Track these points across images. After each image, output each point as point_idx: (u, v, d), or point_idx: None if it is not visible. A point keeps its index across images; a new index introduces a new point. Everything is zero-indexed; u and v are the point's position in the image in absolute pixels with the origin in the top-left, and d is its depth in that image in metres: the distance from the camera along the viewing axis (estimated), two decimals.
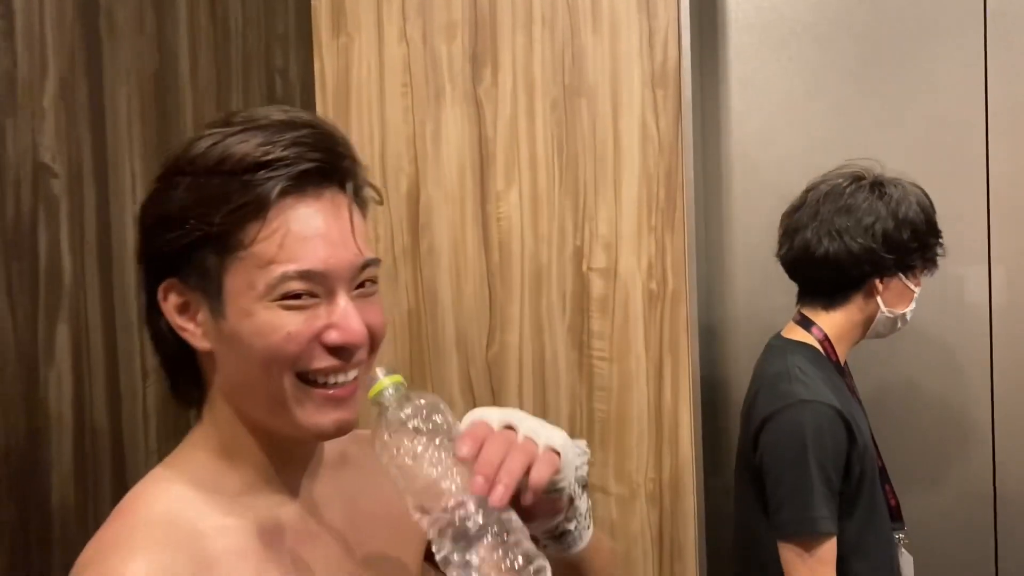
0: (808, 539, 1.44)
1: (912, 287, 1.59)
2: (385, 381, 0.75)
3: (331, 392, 0.77)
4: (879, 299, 1.57)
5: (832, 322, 1.59)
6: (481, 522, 0.69)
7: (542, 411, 1.88)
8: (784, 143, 1.98)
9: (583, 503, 0.82)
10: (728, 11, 1.98)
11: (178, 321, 0.80)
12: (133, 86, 1.42)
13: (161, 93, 1.49)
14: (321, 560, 0.83)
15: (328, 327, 0.76)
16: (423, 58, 1.93)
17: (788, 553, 1.46)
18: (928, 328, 1.94)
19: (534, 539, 0.74)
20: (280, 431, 0.80)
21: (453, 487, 0.71)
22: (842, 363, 1.62)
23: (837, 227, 1.54)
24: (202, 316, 0.79)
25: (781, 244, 1.64)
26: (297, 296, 0.75)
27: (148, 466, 1.41)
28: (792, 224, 1.61)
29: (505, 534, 0.70)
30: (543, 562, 0.71)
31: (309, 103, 1.96)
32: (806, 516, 1.44)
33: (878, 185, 1.57)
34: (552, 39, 1.86)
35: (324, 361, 0.76)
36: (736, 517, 1.68)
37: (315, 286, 0.76)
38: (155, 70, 1.48)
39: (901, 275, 1.57)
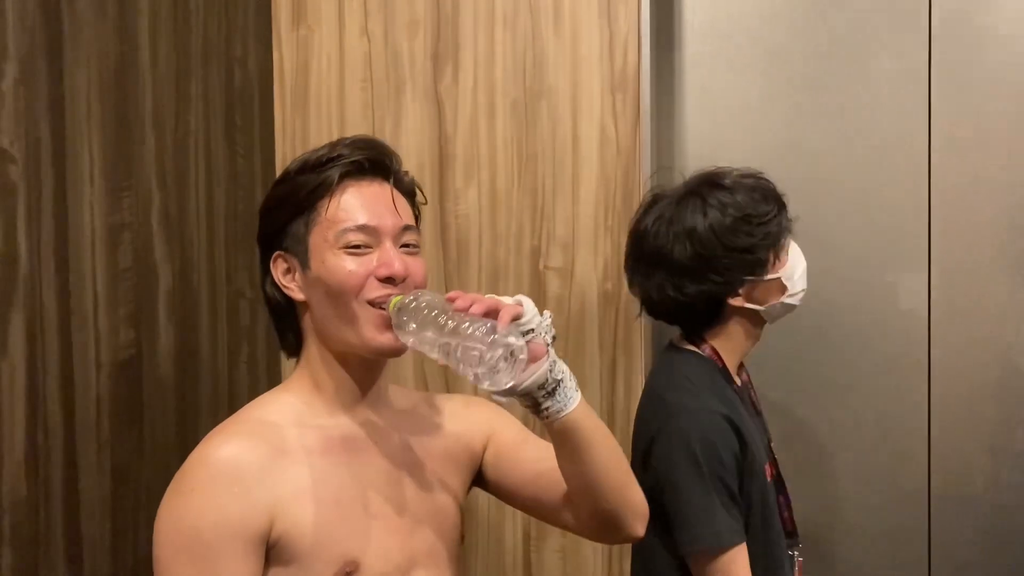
0: (714, 552, 1.39)
1: (771, 276, 1.48)
2: (395, 299, 1.07)
3: (385, 314, 1.07)
4: (749, 306, 1.49)
5: (715, 338, 1.52)
6: (477, 331, 0.96)
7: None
8: (736, 150, 2.02)
9: (563, 364, 1.06)
10: (685, 19, 2.01)
11: (283, 281, 1.14)
12: (93, 72, 1.40)
13: (121, 80, 1.47)
14: (380, 469, 1.14)
15: (379, 266, 1.09)
16: (384, 54, 1.92)
17: (696, 565, 1.41)
18: (866, 334, 2.00)
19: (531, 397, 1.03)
20: (352, 352, 1.11)
21: (458, 326, 0.98)
22: (732, 370, 1.54)
23: (659, 282, 1.48)
24: (298, 275, 1.13)
25: (631, 283, 1.57)
26: (356, 246, 1.09)
27: (100, 459, 1.40)
28: (630, 269, 1.55)
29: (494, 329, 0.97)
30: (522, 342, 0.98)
31: (267, 94, 1.94)
32: (710, 531, 1.38)
33: (674, 206, 1.48)
34: (514, 40, 1.88)
35: (378, 291, 1.08)
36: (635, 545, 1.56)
37: (368, 238, 1.10)
38: (116, 57, 1.45)
39: (751, 278, 1.47)
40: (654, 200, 1.55)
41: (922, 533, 2.00)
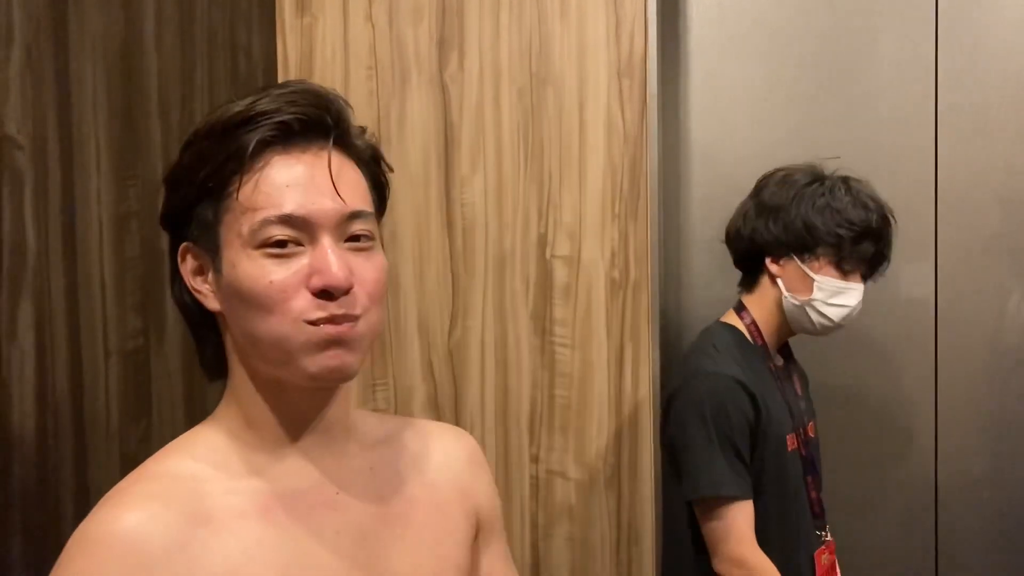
0: (713, 501, 1.50)
1: (810, 274, 1.58)
2: None
3: (323, 332, 0.77)
4: (780, 282, 1.60)
5: (755, 306, 1.64)
6: None
7: (503, 397, 1.90)
8: (742, 135, 2.02)
9: None
10: (690, 4, 2.00)
11: (193, 283, 0.82)
12: (99, 58, 1.39)
13: (127, 66, 1.45)
14: (337, 530, 0.83)
15: (311, 272, 0.77)
16: (389, 41, 1.91)
17: (701, 517, 1.53)
18: (874, 323, 2.00)
19: None
20: (284, 383, 0.81)
21: None
22: (771, 348, 1.65)
23: (745, 210, 1.64)
24: (211, 276, 0.81)
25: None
26: (281, 244, 0.77)
27: (109, 448, 1.40)
28: (738, 208, 1.68)
29: None
30: None
31: (272, 81, 1.93)
32: (708, 480, 1.49)
33: (818, 180, 1.61)
34: (519, 26, 1.87)
35: (314, 312, 0.77)
36: (668, 501, 1.71)
37: (298, 233, 0.77)
38: (120, 44, 1.44)
39: (796, 258, 1.58)
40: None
41: (929, 516, 2.00)
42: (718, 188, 2.02)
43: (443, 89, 1.90)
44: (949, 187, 1.96)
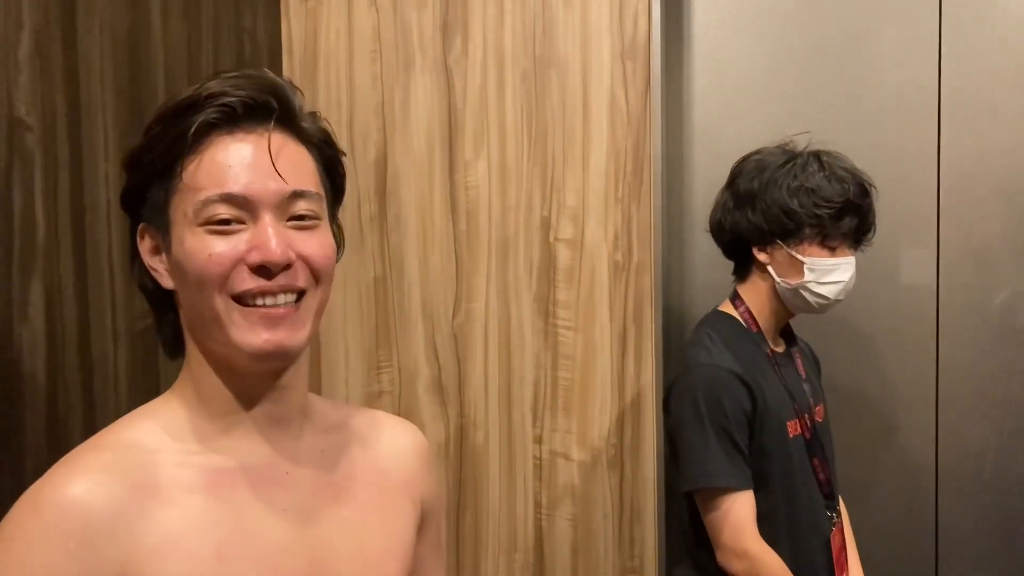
0: (711, 492, 1.51)
1: (799, 257, 1.56)
2: None
3: (260, 311, 0.80)
4: (770, 269, 1.60)
5: (747, 294, 1.65)
6: None
7: (507, 379, 1.91)
8: (745, 119, 2.03)
9: None
10: None
11: (150, 262, 0.85)
12: (107, 42, 1.40)
13: (134, 50, 1.46)
14: (284, 506, 0.85)
15: (250, 248, 0.80)
16: (393, 25, 1.92)
17: (701, 507, 1.55)
18: (875, 309, 2.01)
19: None
20: (233, 358, 0.83)
21: None
22: (769, 334, 1.64)
23: (723, 201, 1.64)
24: (164, 255, 0.84)
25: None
26: (225, 222, 0.80)
27: None
28: (717, 199, 1.69)
29: None
30: None
31: (276, 66, 1.94)
32: (703, 472, 1.51)
33: (790, 160, 1.58)
34: (523, 10, 1.87)
35: (249, 282, 0.80)
36: (675, 487, 1.72)
37: (240, 212, 0.80)
38: (128, 27, 1.45)
39: (782, 243, 1.57)
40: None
41: (929, 504, 2.01)
42: (721, 171, 2.01)
43: (447, 73, 1.90)
44: (952, 170, 1.97)
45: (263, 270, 0.79)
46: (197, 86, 0.81)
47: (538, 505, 1.92)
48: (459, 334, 1.92)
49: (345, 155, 0.92)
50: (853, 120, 1.98)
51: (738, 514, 1.50)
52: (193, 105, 0.81)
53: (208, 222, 0.80)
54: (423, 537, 1.00)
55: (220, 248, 0.79)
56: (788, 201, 1.55)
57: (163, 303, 0.87)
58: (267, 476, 0.85)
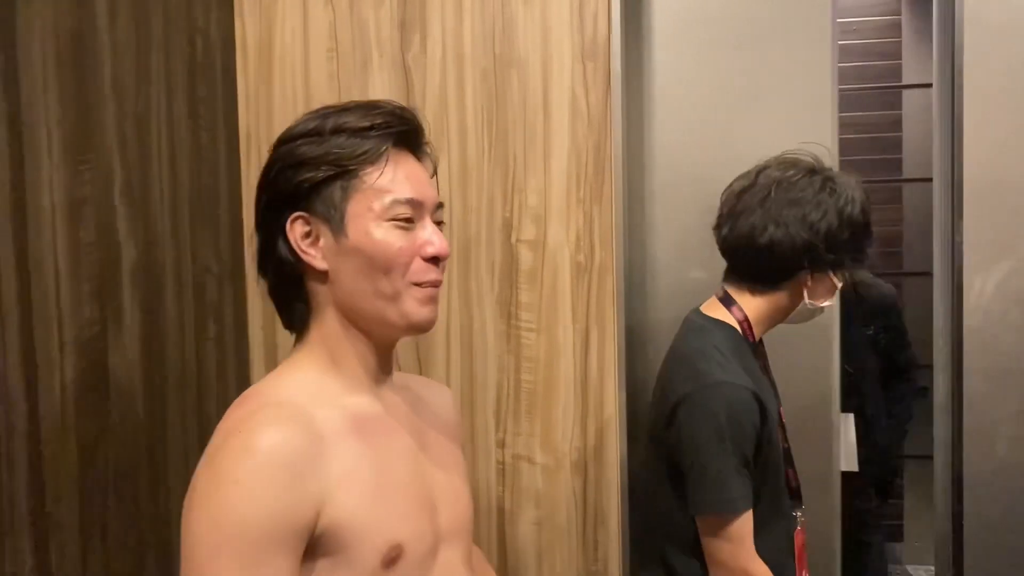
0: (726, 518, 1.46)
1: (837, 283, 1.60)
2: None
3: (428, 292, 1.05)
4: (805, 291, 1.57)
5: (755, 305, 1.60)
6: None
7: (470, 382, 1.89)
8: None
9: None
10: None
11: (303, 246, 1.05)
12: (48, 40, 1.35)
13: (79, 49, 1.42)
14: (403, 448, 1.09)
15: (424, 243, 1.05)
16: (349, 23, 1.88)
17: (707, 530, 1.49)
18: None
19: None
20: (388, 327, 1.06)
21: None
22: (757, 345, 1.63)
23: (785, 218, 1.53)
24: (324, 241, 1.04)
25: (723, 222, 1.61)
26: (406, 219, 1.04)
27: (66, 441, 1.37)
28: (739, 205, 1.58)
29: None
30: None
31: (230, 64, 1.89)
32: (724, 497, 1.46)
33: (829, 181, 1.56)
34: (482, 8, 1.85)
35: (423, 273, 1.05)
36: (647, 487, 1.69)
37: (413, 211, 1.05)
38: (72, 26, 1.40)
39: (831, 272, 1.58)
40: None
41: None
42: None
43: (405, 72, 1.87)
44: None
45: (434, 260, 1.05)
46: (365, 109, 1.05)
47: (501, 510, 1.90)
48: (421, 337, 1.89)
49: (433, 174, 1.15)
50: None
51: (741, 533, 1.47)
52: (375, 127, 1.04)
53: (394, 218, 1.03)
54: None
55: (404, 243, 1.03)
56: (851, 232, 1.55)
57: (294, 283, 1.07)
58: (387, 424, 1.08)
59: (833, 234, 1.53)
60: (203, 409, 1.77)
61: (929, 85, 3.90)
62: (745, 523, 1.47)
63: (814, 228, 1.52)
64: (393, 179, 1.04)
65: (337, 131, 1.04)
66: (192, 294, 1.74)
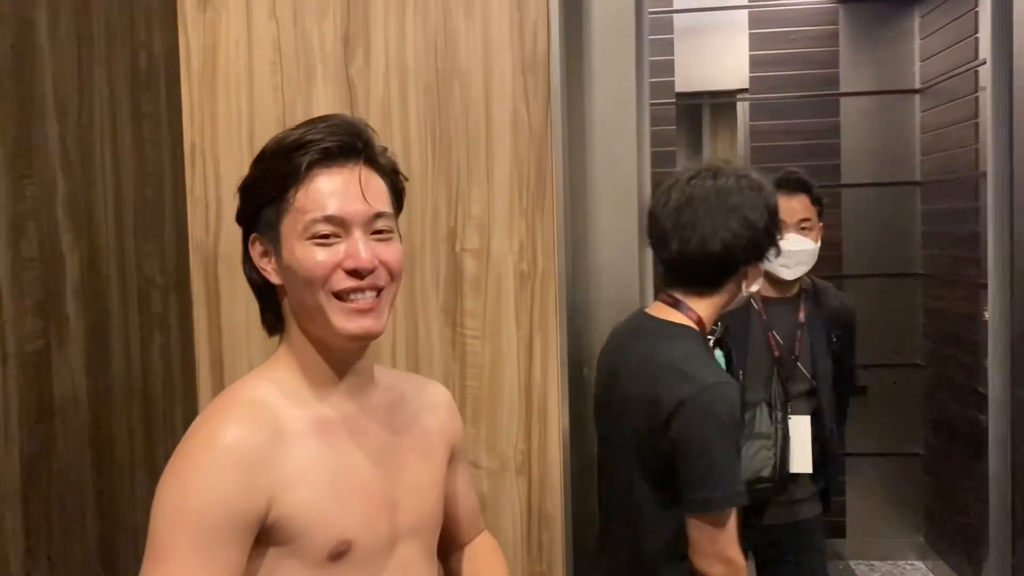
0: (729, 509, 1.54)
1: (763, 267, 1.73)
2: None
3: (353, 305, 1.09)
4: (744, 283, 1.70)
5: (704, 305, 1.69)
6: None
7: None
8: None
9: None
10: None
11: (261, 263, 1.15)
12: None
13: (19, 64, 1.42)
14: (368, 449, 1.16)
15: (345, 257, 1.09)
16: (293, 37, 1.91)
17: (702, 525, 1.55)
18: None
19: None
20: (329, 339, 1.12)
21: None
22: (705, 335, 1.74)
23: (730, 223, 1.63)
24: (274, 258, 1.14)
25: (668, 238, 1.68)
26: (325, 236, 1.09)
27: (10, 455, 1.37)
28: (682, 219, 1.66)
29: None
30: None
31: (174, 78, 1.91)
32: (732, 490, 1.54)
33: (750, 180, 1.67)
34: (424, 22, 1.89)
35: (345, 283, 1.09)
36: (615, 496, 1.74)
37: (337, 228, 1.09)
38: (11, 42, 1.41)
39: (764, 259, 1.71)
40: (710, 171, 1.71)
41: None
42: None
43: (349, 85, 1.90)
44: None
45: (355, 273, 1.09)
46: (301, 131, 1.11)
47: None
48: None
49: (408, 180, 1.23)
50: None
51: (732, 522, 1.55)
52: (300, 147, 1.09)
53: (313, 236, 1.09)
54: (456, 468, 1.35)
55: (322, 257, 1.08)
56: (775, 220, 1.69)
57: (267, 294, 1.17)
58: (354, 426, 1.15)
59: (767, 226, 1.66)
60: (149, 419, 1.78)
61: (865, 93, 4.02)
62: (731, 511, 1.56)
63: (754, 226, 1.64)
64: (314, 198, 1.09)
65: (274, 154, 1.12)
66: (137, 305, 1.74)
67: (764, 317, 2.43)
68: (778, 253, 1.73)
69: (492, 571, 1.37)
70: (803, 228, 2.46)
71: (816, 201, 2.50)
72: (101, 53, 1.64)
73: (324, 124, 1.12)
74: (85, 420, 1.57)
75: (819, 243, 2.48)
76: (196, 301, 1.95)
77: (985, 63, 2.98)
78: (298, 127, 1.13)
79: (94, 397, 1.60)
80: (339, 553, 1.09)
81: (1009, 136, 2.05)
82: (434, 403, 1.31)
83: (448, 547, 1.39)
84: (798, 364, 2.43)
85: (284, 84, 1.91)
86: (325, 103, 1.90)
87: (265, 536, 1.07)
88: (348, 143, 1.12)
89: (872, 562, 4.20)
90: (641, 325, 1.74)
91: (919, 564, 4.16)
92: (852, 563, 4.19)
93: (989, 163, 2.17)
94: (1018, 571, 2.04)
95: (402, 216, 1.91)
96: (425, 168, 1.90)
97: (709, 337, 1.74)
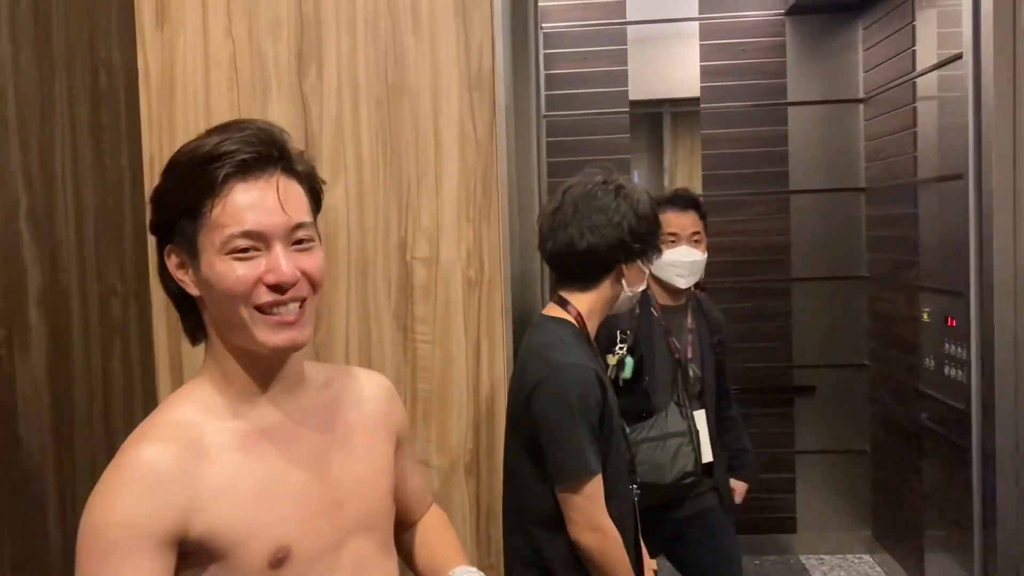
0: (583, 479, 1.69)
1: (645, 270, 1.90)
2: None
3: (276, 319, 1.07)
4: (623, 281, 1.86)
5: (585, 301, 1.86)
6: None
7: None
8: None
9: None
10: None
11: (178, 275, 1.11)
12: None
13: None
14: (299, 453, 1.14)
15: (265, 272, 1.06)
16: (249, 54, 1.98)
17: (566, 495, 1.71)
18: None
19: None
20: (251, 350, 1.10)
21: None
22: (592, 333, 1.87)
23: (595, 223, 1.82)
24: (191, 271, 1.10)
25: (545, 239, 1.88)
26: (244, 250, 1.06)
27: None
28: (555, 222, 1.86)
29: None
30: None
31: (133, 94, 1.97)
32: (580, 460, 1.69)
33: (620, 188, 1.86)
34: (375, 41, 1.97)
35: (267, 297, 1.07)
36: (507, 473, 1.88)
37: (256, 242, 1.06)
38: None
39: (639, 260, 1.87)
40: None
41: None
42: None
43: (303, 100, 1.98)
44: None
45: (277, 288, 1.06)
46: (216, 141, 1.06)
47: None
48: (321, 350, 2.00)
49: (326, 183, 1.20)
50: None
51: (595, 493, 1.70)
52: (214, 159, 1.05)
53: (232, 251, 1.05)
54: (402, 454, 1.34)
55: (242, 271, 1.05)
56: (647, 225, 1.84)
57: (186, 305, 1.14)
58: (283, 433, 1.13)
59: (634, 229, 1.82)
60: (110, 425, 1.84)
61: (812, 103, 4.15)
62: (598, 484, 1.71)
63: (620, 227, 1.81)
64: (232, 212, 1.05)
65: (188, 164, 1.07)
66: (98, 314, 1.81)
67: (664, 323, 2.58)
68: (657, 257, 1.90)
69: (444, 544, 1.39)
70: (695, 241, 2.66)
71: (703, 216, 2.73)
72: (61, 70, 1.70)
73: (240, 133, 1.07)
74: (47, 427, 1.63)
75: (706, 254, 2.70)
76: (156, 308, 2.01)
77: (921, 76, 3.12)
78: (212, 134, 1.08)
79: (55, 403, 1.66)
80: (279, 560, 1.09)
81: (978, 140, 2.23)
82: (373, 393, 1.29)
83: (399, 527, 1.40)
84: (691, 365, 2.63)
85: (240, 99, 1.99)
86: (280, 118, 1.98)
87: (197, 554, 1.06)
88: (264, 153, 1.07)
89: (822, 556, 4.34)
90: (535, 322, 1.91)
91: (866, 557, 4.30)
92: (802, 557, 4.33)
93: (970, 165, 2.33)
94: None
95: (355, 226, 2.01)
96: (377, 180, 1.98)
97: (622, 345, 1.88)
